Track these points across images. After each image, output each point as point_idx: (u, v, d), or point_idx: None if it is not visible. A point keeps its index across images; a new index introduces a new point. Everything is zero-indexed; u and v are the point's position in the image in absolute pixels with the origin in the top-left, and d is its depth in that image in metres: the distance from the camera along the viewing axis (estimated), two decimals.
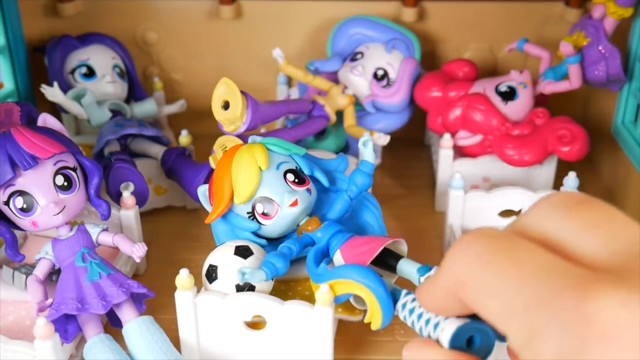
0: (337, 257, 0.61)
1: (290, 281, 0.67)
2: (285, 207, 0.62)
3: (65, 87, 0.91)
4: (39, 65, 0.96)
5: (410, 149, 1.06)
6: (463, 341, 0.33)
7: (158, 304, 0.72)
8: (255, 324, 0.63)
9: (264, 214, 0.63)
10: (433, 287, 0.31)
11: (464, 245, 0.28)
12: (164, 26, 1.04)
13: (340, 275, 0.56)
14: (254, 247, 0.62)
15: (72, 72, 0.92)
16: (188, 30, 1.04)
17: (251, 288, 0.61)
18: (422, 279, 0.57)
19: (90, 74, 0.92)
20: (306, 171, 0.65)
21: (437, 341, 0.34)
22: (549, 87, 0.88)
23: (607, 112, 0.96)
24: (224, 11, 1.01)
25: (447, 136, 0.88)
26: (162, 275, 0.79)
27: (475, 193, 0.80)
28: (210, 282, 0.62)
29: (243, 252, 0.62)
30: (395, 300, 0.48)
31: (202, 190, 0.68)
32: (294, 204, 0.62)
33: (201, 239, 0.86)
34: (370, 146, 0.65)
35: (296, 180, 0.63)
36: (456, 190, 0.79)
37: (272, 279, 0.62)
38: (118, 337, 0.64)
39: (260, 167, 0.62)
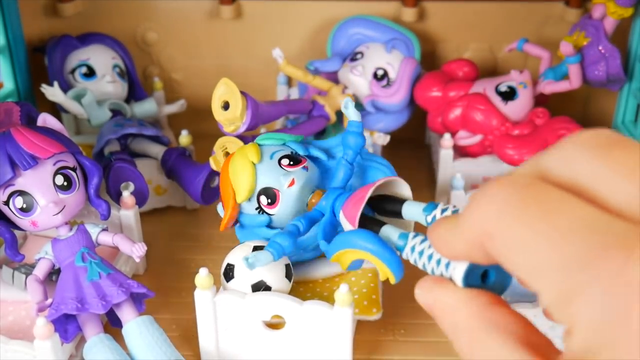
0: (342, 219, 0.60)
1: (309, 282, 0.68)
2: (284, 189, 0.63)
3: (65, 87, 0.91)
4: (39, 65, 0.96)
5: (410, 149, 1.06)
6: (477, 277, 0.31)
7: (158, 304, 0.72)
8: (275, 325, 0.63)
9: (269, 204, 0.64)
10: (453, 236, 0.28)
11: (490, 193, 0.25)
12: (164, 26, 1.04)
13: (341, 246, 0.56)
14: None
15: (72, 72, 0.92)
16: (188, 30, 1.04)
17: (267, 288, 0.62)
18: (429, 217, 0.55)
19: (90, 73, 0.92)
20: (301, 152, 0.66)
21: (450, 280, 0.33)
22: (549, 87, 0.88)
23: (607, 112, 0.96)
24: (224, 11, 1.01)
25: (447, 136, 0.88)
26: (162, 275, 0.79)
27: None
28: (228, 281, 0.62)
29: None
30: (399, 246, 0.47)
31: (220, 206, 0.69)
32: (291, 183, 0.63)
33: (201, 239, 0.86)
34: (351, 106, 0.64)
35: (291, 163, 0.64)
36: (457, 190, 0.79)
37: (291, 280, 0.63)
38: (118, 337, 0.64)
39: (252, 162, 0.63)
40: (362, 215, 0.57)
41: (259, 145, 0.66)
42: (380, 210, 0.59)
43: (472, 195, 0.27)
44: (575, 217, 0.23)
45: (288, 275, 0.63)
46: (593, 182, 0.24)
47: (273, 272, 0.62)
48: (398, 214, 0.58)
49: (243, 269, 0.62)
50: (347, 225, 0.58)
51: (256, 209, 0.64)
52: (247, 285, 0.62)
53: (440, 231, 0.30)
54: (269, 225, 0.65)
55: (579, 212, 0.23)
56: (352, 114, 0.64)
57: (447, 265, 0.34)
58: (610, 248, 0.21)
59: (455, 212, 0.54)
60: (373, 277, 0.68)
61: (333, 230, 0.62)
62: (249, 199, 0.64)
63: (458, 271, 0.32)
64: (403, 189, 0.59)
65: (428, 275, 0.34)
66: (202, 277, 0.61)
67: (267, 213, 0.64)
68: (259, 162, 0.64)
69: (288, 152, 0.65)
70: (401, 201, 0.58)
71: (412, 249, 0.42)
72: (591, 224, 0.22)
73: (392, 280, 0.54)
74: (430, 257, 0.37)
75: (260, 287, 0.61)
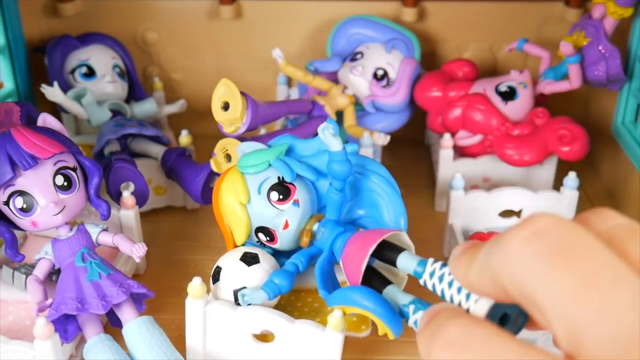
0: (342, 269, 0.60)
1: (301, 291, 0.67)
2: (280, 231, 0.63)
3: (65, 87, 0.91)
4: (39, 65, 0.96)
5: (410, 149, 1.06)
6: (496, 316, 0.32)
7: (158, 304, 0.72)
8: (264, 336, 0.63)
9: (268, 241, 0.64)
10: (477, 275, 0.28)
11: (521, 241, 0.25)
12: (164, 26, 1.04)
13: (341, 302, 0.57)
14: (262, 256, 0.63)
15: (72, 72, 0.92)
16: (188, 30, 1.04)
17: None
18: (423, 277, 0.55)
19: (90, 73, 0.92)
20: (288, 178, 0.63)
21: (467, 311, 0.33)
22: (549, 87, 0.88)
23: (607, 112, 0.96)
24: (224, 11, 1.01)
25: (447, 136, 0.88)
26: (162, 275, 0.79)
27: (475, 193, 0.80)
28: (214, 283, 0.63)
29: (249, 259, 0.62)
30: (403, 313, 0.48)
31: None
32: (285, 226, 0.63)
33: (201, 239, 0.86)
34: (328, 134, 0.59)
35: (281, 197, 0.62)
36: (457, 191, 0.79)
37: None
38: (118, 337, 0.64)
39: (242, 203, 0.63)
40: (367, 270, 0.57)
41: (243, 174, 0.63)
42: (379, 256, 0.59)
43: (499, 236, 0.27)
44: (606, 267, 0.23)
45: None
46: (625, 240, 0.25)
47: (258, 281, 0.61)
48: (393, 263, 0.57)
49: (229, 274, 0.62)
50: (345, 273, 0.59)
51: (257, 243, 0.65)
52: (229, 290, 0.61)
53: (462, 269, 0.29)
54: (274, 253, 0.66)
55: (608, 261, 0.23)
56: (331, 144, 0.60)
57: (468, 296, 0.34)
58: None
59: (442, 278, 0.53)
60: None
61: (331, 270, 0.62)
62: (248, 239, 0.65)
63: (481, 306, 0.32)
64: (403, 236, 0.60)
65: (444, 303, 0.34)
66: (196, 286, 0.60)
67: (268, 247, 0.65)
68: (248, 201, 0.62)
69: (275, 179, 0.63)
70: (398, 249, 0.57)
71: (432, 274, 0.42)
72: (620, 276, 0.23)
73: (391, 337, 0.54)
74: (450, 284, 0.37)
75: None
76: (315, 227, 0.64)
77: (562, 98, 0.95)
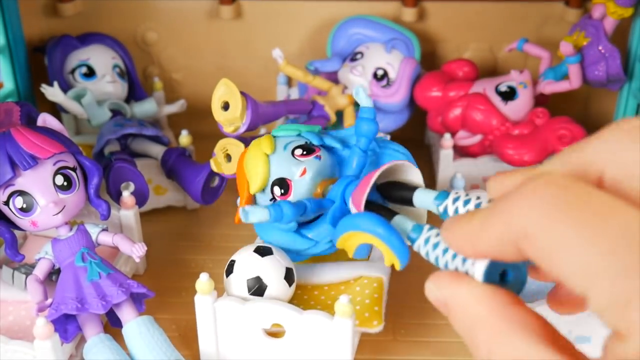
0: (350, 205, 0.59)
1: (308, 286, 0.67)
2: (296, 179, 0.63)
3: (65, 87, 0.91)
4: (39, 65, 0.96)
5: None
6: (496, 275, 0.31)
7: (158, 304, 0.72)
8: (275, 333, 0.62)
9: (282, 194, 0.64)
10: (482, 234, 0.27)
11: (531, 191, 0.25)
12: (164, 26, 1.04)
13: (347, 228, 0.55)
14: (275, 250, 0.63)
15: (72, 72, 0.92)
16: (188, 30, 1.04)
17: (262, 285, 0.61)
18: (441, 207, 0.52)
19: (90, 73, 0.92)
20: (315, 142, 0.65)
21: (466, 274, 0.32)
22: (549, 87, 0.88)
23: (607, 112, 0.96)
24: (224, 11, 1.01)
25: (447, 136, 0.88)
26: (162, 275, 0.79)
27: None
28: (227, 276, 0.63)
29: (262, 251, 0.62)
30: (412, 238, 0.46)
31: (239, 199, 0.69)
32: (303, 172, 0.63)
33: (201, 239, 0.86)
34: (362, 93, 0.63)
35: (304, 153, 0.64)
36: (457, 190, 0.79)
37: (291, 285, 0.63)
38: (118, 337, 0.64)
39: (266, 153, 0.64)
40: (374, 204, 0.55)
41: (274, 136, 0.66)
42: (391, 197, 0.57)
43: (507, 192, 0.26)
44: (626, 221, 0.23)
45: (289, 279, 0.62)
46: None
47: (272, 271, 0.62)
48: (409, 202, 0.56)
49: (242, 265, 0.62)
50: (354, 210, 0.57)
51: (270, 199, 0.65)
52: (243, 280, 0.61)
53: (462, 228, 0.29)
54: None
55: (629, 217, 0.23)
56: (363, 100, 0.63)
57: (465, 260, 0.33)
58: None
59: (468, 202, 0.51)
60: (378, 288, 0.66)
61: (342, 217, 0.60)
62: (263, 190, 0.64)
63: (478, 267, 0.31)
64: (414, 175, 0.57)
65: (441, 270, 0.33)
66: (203, 282, 0.61)
67: None
68: (272, 153, 0.64)
69: (302, 142, 0.65)
70: (412, 188, 0.55)
71: (427, 240, 0.41)
72: None
73: (397, 266, 0.52)
74: (445, 251, 0.36)
75: (255, 284, 0.61)
76: (330, 186, 0.64)
77: (562, 98, 0.95)
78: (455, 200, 0.51)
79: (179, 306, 0.73)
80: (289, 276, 0.62)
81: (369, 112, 0.63)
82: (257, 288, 0.61)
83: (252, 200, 0.66)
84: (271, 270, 0.62)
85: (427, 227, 0.43)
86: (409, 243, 0.47)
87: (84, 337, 0.63)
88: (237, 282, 0.62)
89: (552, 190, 0.25)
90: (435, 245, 0.39)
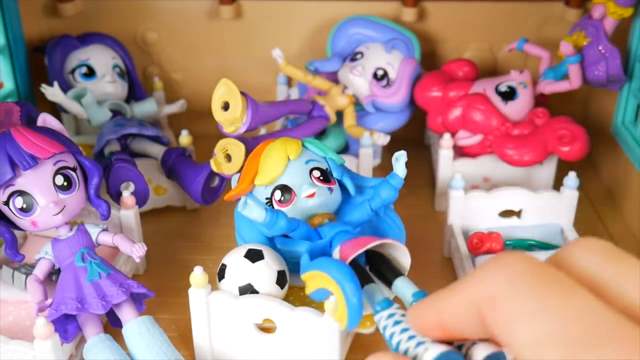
0: (335, 254, 0.60)
1: (295, 288, 0.67)
2: (301, 196, 0.63)
3: (65, 87, 0.91)
4: (39, 65, 0.96)
5: (410, 149, 1.05)
6: None
7: (158, 304, 0.72)
8: (267, 329, 0.63)
9: (281, 202, 0.64)
10: (450, 299, 0.29)
11: (502, 262, 0.27)
12: (164, 26, 1.04)
13: (317, 267, 0.56)
14: (267, 252, 0.63)
15: (72, 72, 0.92)
16: (188, 30, 1.04)
17: (254, 291, 0.62)
18: (383, 313, 0.53)
19: (90, 73, 0.92)
20: (335, 175, 0.66)
21: (413, 359, 0.33)
22: (549, 87, 0.88)
23: (607, 112, 0.96)
24: (224, 11, 1.01)
25: (447, 136, 0.88)
26: (162, 275, 0.79)
27: (475, 193, 0.80)
28: (219, 281, 0.63)
29: (253, 255, 0.62)
30: (377, 310, 0.46)
31: (237, 176, 0.70)
32: (311, 195, 0.63)
33: (201, 239, 0.86)
34: (402, 161, 0.64)
35: (321, 178, 0.64)
36: (456, 190, 0.79)
37: (283, 288, 0.63)
38: (118, 337, 0.64)
39: (289, 157, 0.64)
40: (356, 263, 0.56)
41: (303, 145, 0.66)
42: (374, 268, 0.58)
43: (482, 264, 0.28)
44: (585, 302, 0.25)
45: (281, 282, 0.63)
46: (601, 280, 0.27)
47: (263, 277, 0.62)
48: (388, 283, 0.56)
49: (233, 271, 0.62)
50: (336, 257, 0.58)
51: (266, 198, 0.65)
52: (234, 287, 0.62)
53: (431, 298, 0.31)
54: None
55: (588, 299, 0.25)
56: (399, 169, 0.65)
57: (419, 344, 0.33)
58: (613, 341, 0.23)
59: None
60: None
61: (319, 255, 0.61)
62: (266, 187, 0.64)
63: (430, 354, 0.32)
64: (404, 258, 0.59)
65: (389, 348, 0.35)
66: (197, 275, 0.61)
67: (273, 208, 0.64)
68: (295, 158, 0.64)
69: (323, 166, 0.65)
70: (396, 273, 0.55)
71: (391, 315, 0.41)
72: (600, 312, 0.24)
73: (343, 326, 0.53)
74: (405, 330, 0.36)
75: (247, 290, 0.62)
76: (326, 220, 0.64)
77: (562, 98, 0.95)
78: (390, 316, 0.51)
79: (179, 306, 0.73)
80: (280, 279, 0.63)
81: (398, 182, 0.65)
82: (251, 294, 0.62)
83: (251, 188, 0.66)
84: (262, 276, 0.62)
85: (395, 305, 0.43)
86: (371, 312, 0.48)
87: (84, 337, 0.63)
88: (229, 288, 0.62)
89: (525, 263, 0.27)
90: (397, 322, 0.39)
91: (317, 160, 0.66)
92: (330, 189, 0.65)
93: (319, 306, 0.63)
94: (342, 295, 0.53)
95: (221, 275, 0.63)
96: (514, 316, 0.26)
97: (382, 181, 0.66)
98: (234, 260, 0.63)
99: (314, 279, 0.56)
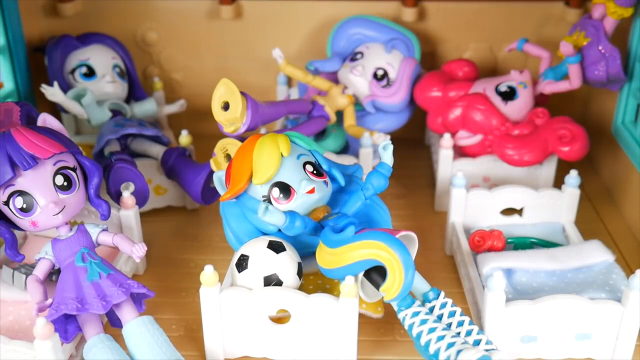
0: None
1: (309, 275, 0.68)
2: (302, 193, 0.64)
3: (65, 87, 0.91)
4: (39, 65, 0.96)
5: (410, 149, 1.06)
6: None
7: (158, 304, 0.72)
8: (280, 319, 0.64)
9: (281, 199, 0.64)
10: None
11: None
12: (164, 26, 1.04)
13: (368, 238, 0.57)
14: (287, 245, 0.64)
15: (72, 71, 0.92)
16: (188, 30, 1.04)
17: (278, 282, 0.62)
18: (400, 315, 0.57)
19: (90, 73, 0.92)
20: (325, 167, 0.67)
21: None
22: (549, 87, 0.88)
23: (607, 112, 0.96)
24: (224, 11, 1.01)
25: (447, 136, 0.88)
26: (162, 275, 0.79)
27: (477, 191, 0.80)
28: (240, 272, 0.63)
29: (276, 247, 0.63)
30: (402, 307, 0.47)
31: (219, 176, 0.70)
32: (311, 191, 0.64)
33: (201, 239, 0.86)
34: (390, 150, 0.67)
35: (314, 172, 0.66)
36: (458, 189, 0.79)
37: (301, 278, 0.64)
38: (118, 337, 0.64)
39: (282, 154, 0.64)
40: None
41: (291, 140, 0.67)
42: (367, 273, 0.61)
43: None
44: None
45: (299, 273, 0.64)
46: None
47: (287, 268, 0.62)
48: (377, 286, 0.60)
49: (257, 261, 0.62)
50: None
51: (263, 196, 0.65)
52: (259, 277, 0.62)
53: None
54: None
55: None
56: (387, 158, 0.67)
57: (450, 345, 0.33)
58: None
59: (425, 322, 0.53)
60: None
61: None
62: (262, 185, 0.65)
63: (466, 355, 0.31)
64: (412, 246, 0.62)
65: (415, 347, 0.34)
66: (208, 274, 0.62)
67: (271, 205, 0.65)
68: (288, 155, 0.65)
69: (313, 160, 0.67)
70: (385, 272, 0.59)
71: (415, 313, 0.42)
72: None
73: (394, 294, 0.55)
74: (431, 330, 0.37)
75: (272, 280, 0.62)
76: (329, 214, 0.66)
77: (562, 98, 0.95)
78: (415, 314, 0.54)
79: (178, 306, 0.73)
80: (300, 271, 0.64)
81: (387, 170, 0.67)
82: (274, 285, 0.62)
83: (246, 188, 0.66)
84: (287, 266, 0.63)
85: (417, 302, 0.44)
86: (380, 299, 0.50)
87: (84, 337, 0.63)
88: (252, 278, 0.62)
89: None
90: (423, 322, 0.40)
91: (306, 155, 0.67)
92: (325, 182, 0.66)
93: (331, 290, 0.64)
94: (398, 268, 0.55)
95: (243, 265, 0.63)
96: None
97: (372, 171, 0.67)
98: (257, 250, 0.63)
99: (360, 248, 0.58)
